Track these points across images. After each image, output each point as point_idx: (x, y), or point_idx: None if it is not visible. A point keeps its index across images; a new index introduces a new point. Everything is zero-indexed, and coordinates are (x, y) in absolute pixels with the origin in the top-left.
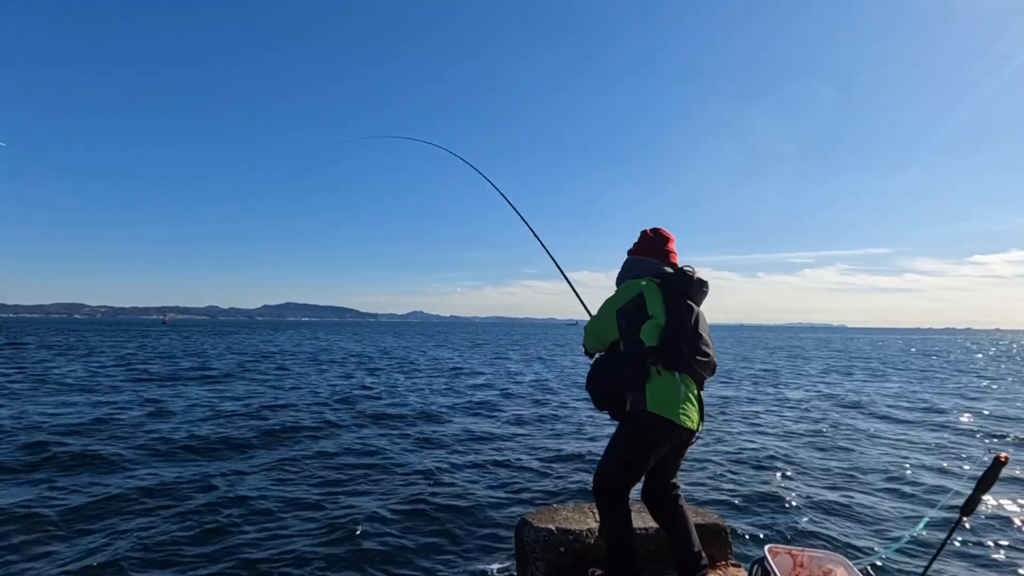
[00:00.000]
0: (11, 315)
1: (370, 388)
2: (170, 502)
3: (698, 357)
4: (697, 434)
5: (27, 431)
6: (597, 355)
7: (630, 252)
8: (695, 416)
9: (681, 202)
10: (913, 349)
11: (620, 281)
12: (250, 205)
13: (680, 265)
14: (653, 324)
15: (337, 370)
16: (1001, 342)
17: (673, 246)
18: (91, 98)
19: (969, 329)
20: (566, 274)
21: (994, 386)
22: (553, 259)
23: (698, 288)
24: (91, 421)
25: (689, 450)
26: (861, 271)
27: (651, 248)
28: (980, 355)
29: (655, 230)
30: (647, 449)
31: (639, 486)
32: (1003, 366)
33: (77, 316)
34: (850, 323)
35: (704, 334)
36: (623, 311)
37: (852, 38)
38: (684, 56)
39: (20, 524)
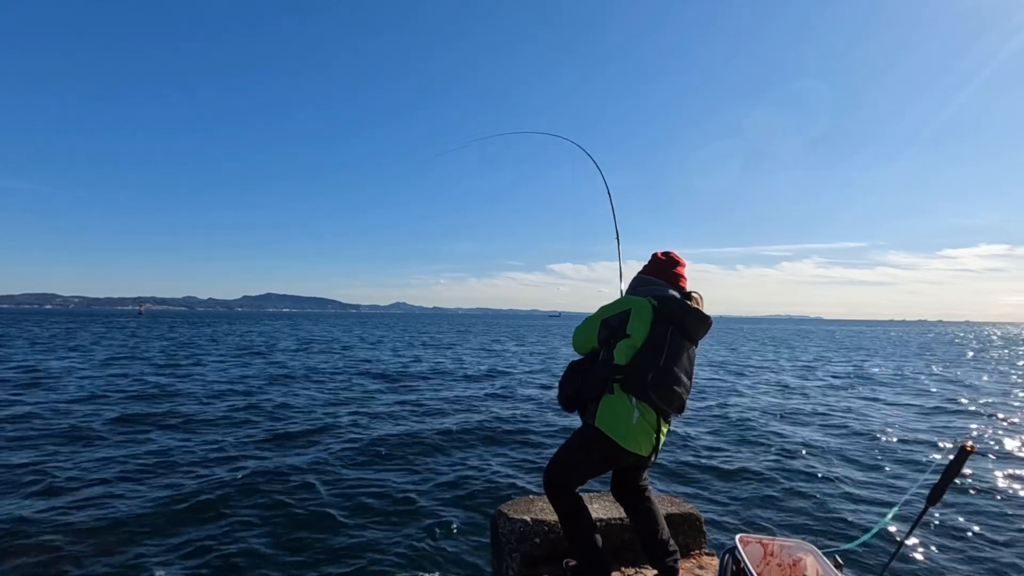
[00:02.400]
0: None
1: (364, 382)
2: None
3: (660, 390)
4: (651, 460)
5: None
6: (574, 359)
7: (640, 272)
8: (645, 444)
9: (663, 195)
10: (893, 338)
11: (626, 294)
12: (229, 194)
13: (691, 292)
14: (628, 344)
15: (334, 360)
16: (977, 334)
17: (684, 271)
18: (61, 80)
19: (941, 321)
20: (621, 263)
21: (971, 377)
22: (619, 251)
23: (695, 320)
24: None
25: (666, 438)
26: (837, 264)
27: (660, 270)
28: (960, 345)
29: (667, 254)
30: (592, 460)
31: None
32: (974, 355)
33: (48, 307)
34: (827, 315)
35: (679, 371)
36: (606, 322)
37: (833, 39)
38: (670, 51)
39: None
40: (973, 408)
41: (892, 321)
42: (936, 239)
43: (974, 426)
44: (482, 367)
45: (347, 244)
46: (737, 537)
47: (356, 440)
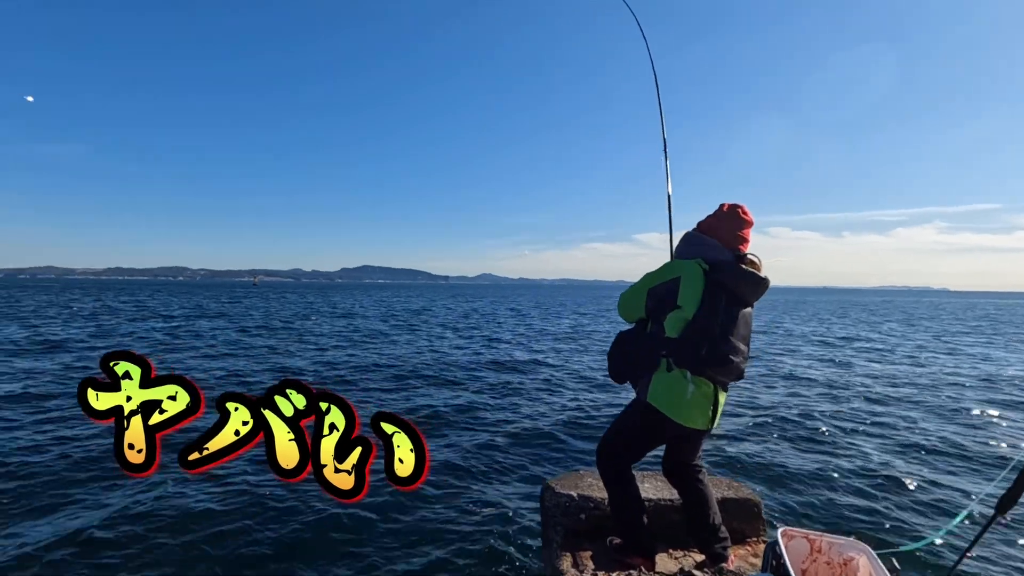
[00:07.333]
0: (127, 277)
1: (419, 353)
2: None
3: (716, 363)
4: (710, 431)
5: None
6: (623, 328)
7: (699, 223)
8: (701, 417)
9: (763, 157)
10: None
11: (674, 255)
12: (327, 174)
13: (747, 253)
14: (679, 315)
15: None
16: None
17: (749, 233)
18: (199, 78)
19: None
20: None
21: None
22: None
23: (752, 286)
24: None
25: (736, 420)
26: (964, 229)
27: (721, 228)
28: None
29: (733, 208)
30: (646, 435)
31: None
32: None
33: (180, 279)
34: (953, 287)
35: (736, 339)
36: (653, 292)
37: None
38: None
39: None
40: None
41: None
42: None
43: None
44: (538, 339)
45: (433, 217)
46: (779, 531)
47: (414, 410)
